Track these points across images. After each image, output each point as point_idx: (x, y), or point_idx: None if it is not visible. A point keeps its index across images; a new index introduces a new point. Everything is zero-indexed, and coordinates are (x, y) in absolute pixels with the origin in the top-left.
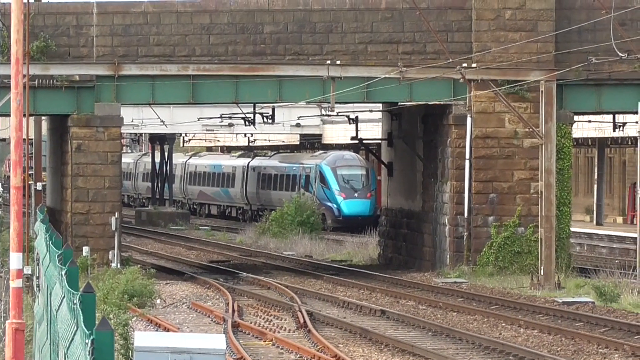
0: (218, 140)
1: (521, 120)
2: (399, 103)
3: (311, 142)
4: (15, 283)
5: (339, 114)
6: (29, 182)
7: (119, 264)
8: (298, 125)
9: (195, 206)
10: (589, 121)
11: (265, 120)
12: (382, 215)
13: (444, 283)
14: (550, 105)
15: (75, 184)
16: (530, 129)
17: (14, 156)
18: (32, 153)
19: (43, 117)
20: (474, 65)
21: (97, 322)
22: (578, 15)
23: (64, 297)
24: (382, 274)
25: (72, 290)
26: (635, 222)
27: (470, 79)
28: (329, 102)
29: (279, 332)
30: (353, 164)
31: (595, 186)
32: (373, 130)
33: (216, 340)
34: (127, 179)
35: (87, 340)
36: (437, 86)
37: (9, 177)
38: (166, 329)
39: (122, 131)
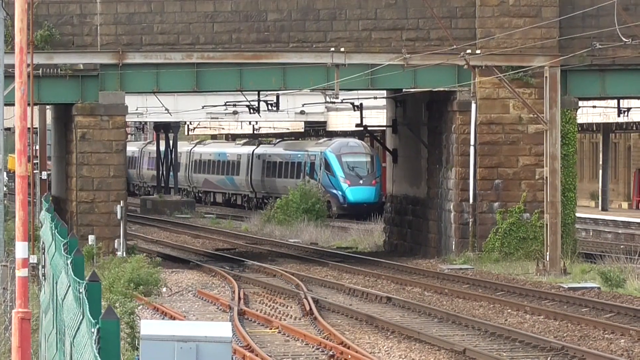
0: (223, 128)
1: (526, 106)
2: (404, 90)
3: (316, 130)
4: (21, 272)
5: (344, 101)
6: (34, 171)
7: (124, 253)
8: (302, 112)
9: (200, 194)
10: (594, 106)
11: (269, 107)
12: (387, 202)
13: (449, 269)
14: (554, 90)
15: (80, 173)
16: (535, 115)
17: (18, 145)
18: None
19: (47, 106)
20: (478, 51)
21: (103, 311)
22: (582, 0)
23: (69, 286)
24: (388, 260)
25: (77, 279)
26: None
27: (474, 65)
28: (333, 89)
29: (285, 319)
30: (358, 151)
31: (600, 171)
32: (377, 117)
33: (222, 328)
34: (132, 167)
35: (93, 329)
36: (442, 73)
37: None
38: (172, 317)
39: (127, 119)
